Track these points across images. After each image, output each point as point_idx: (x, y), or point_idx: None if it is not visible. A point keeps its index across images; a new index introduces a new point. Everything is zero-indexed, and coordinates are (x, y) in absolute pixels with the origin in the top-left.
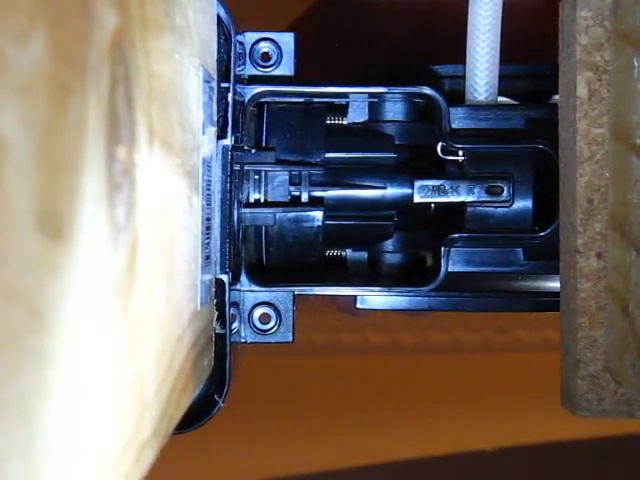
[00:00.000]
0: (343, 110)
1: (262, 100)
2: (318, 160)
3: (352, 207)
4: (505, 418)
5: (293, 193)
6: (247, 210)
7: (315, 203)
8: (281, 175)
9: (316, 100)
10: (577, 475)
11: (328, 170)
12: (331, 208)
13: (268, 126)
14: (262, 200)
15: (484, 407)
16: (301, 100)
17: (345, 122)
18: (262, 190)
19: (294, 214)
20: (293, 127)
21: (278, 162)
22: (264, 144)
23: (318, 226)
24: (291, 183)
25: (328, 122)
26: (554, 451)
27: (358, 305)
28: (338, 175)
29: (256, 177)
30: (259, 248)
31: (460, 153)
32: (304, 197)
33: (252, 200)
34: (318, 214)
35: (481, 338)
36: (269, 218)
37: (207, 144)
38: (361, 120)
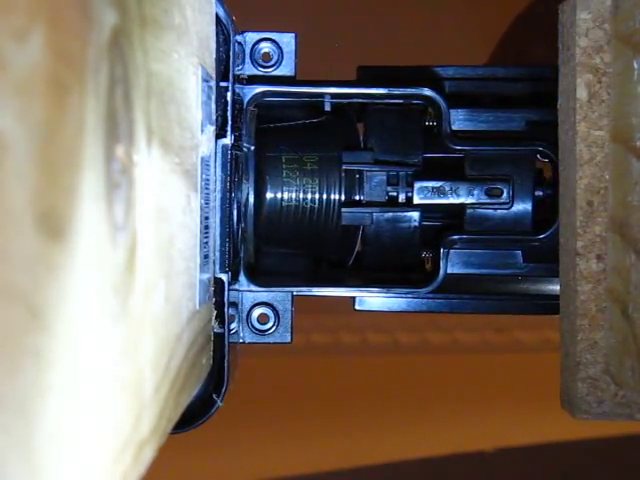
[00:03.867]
0: None
1: (360, 101)
2: (416, 161)
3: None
4: (504, 418)
5: (390, 193)
6: (345, 210)
7: (412, 204)
8: (379, 175)
9: (415, 102)
10: (577, 475)
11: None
12: (428, 209)
13: (366, 127)
14: (359, 200)
15: (483, 407)
16: (401, 102)
17: None
18: (360, 190)
19: (391, 214)
20: (391, 128)
21: (376, 162)
22: (362, 144)
23: (415, 227)
24: (389, 183)
25: (427, 124)
26: (553, 451)
27: (357, 306)
28: None
29: (354, 177)
30: (350, 248)
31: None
32: (401, 197)
33: (350, 200)
34: (415, 215)
35: (480, 338)
36: (366, 218)
37: (206, 143)
38: None
